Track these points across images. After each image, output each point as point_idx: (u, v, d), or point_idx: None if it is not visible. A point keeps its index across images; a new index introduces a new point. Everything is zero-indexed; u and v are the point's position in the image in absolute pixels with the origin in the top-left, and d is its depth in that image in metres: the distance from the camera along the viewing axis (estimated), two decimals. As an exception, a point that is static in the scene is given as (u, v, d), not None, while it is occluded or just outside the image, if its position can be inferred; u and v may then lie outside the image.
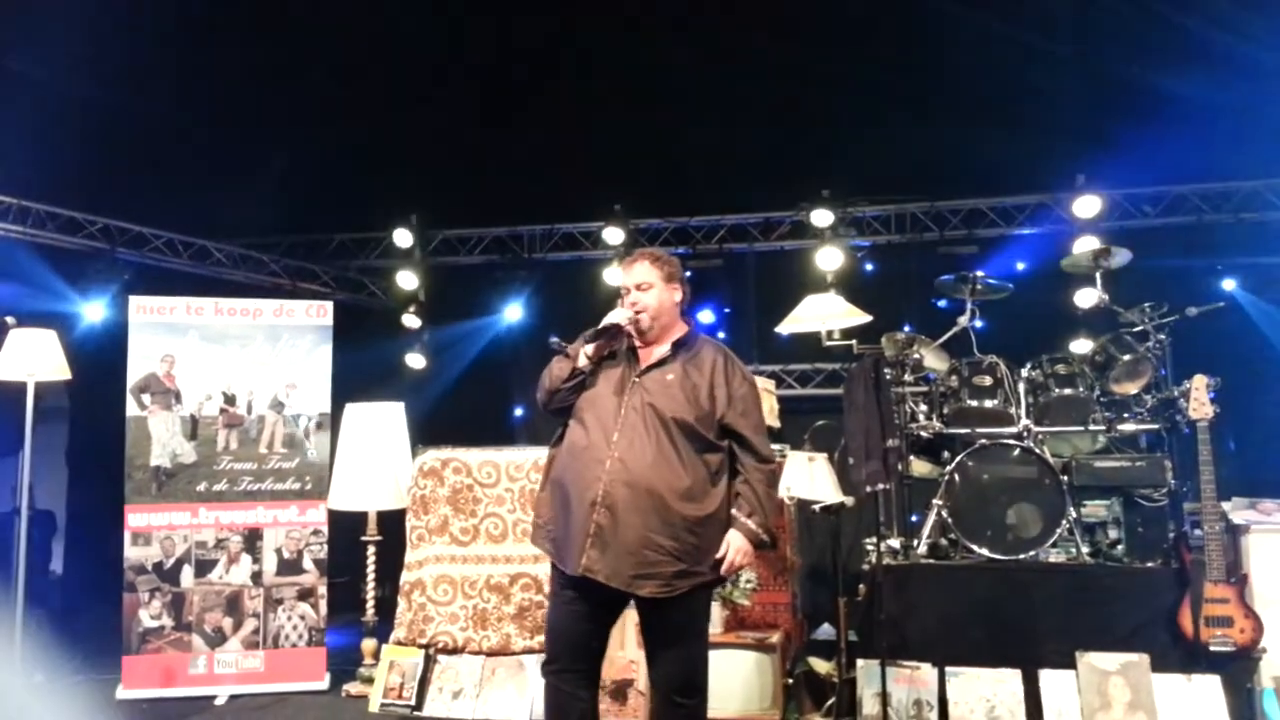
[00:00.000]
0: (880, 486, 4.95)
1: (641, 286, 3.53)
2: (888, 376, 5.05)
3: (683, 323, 3.64)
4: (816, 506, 4.98)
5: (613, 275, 8.74)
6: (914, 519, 5.35)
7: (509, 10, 7.68)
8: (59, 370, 5.78)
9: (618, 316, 3.51)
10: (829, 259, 8.29)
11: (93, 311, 7.94)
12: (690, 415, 3.41)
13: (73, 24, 7.12)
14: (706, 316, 9.40)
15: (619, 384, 3.47)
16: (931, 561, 5.11)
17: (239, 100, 7.85)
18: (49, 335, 5.77)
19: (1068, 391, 5.28)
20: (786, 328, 6.19)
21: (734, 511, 3.45)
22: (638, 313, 3.51)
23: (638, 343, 3.55)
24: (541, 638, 4.41)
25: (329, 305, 6.19)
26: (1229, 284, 8.03)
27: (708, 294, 9.49)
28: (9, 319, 5.78)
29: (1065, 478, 5.04)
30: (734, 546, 3.42)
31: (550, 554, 3.54)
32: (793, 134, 8.06)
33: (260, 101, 7.92)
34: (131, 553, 5.70)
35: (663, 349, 3.54)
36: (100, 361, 6.80)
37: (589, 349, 3.49)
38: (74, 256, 8.01)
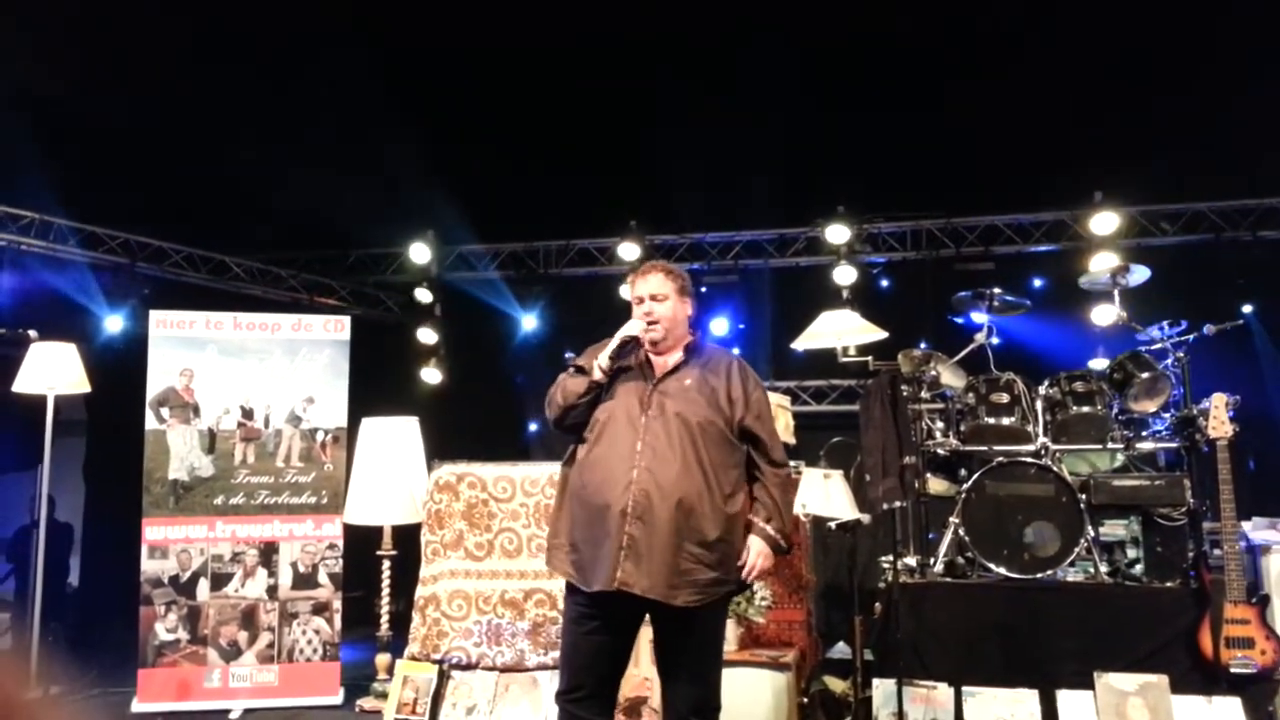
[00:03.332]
0: (897, 504, 4.93)
1: (656, 297, 3.54)
2: (904, 393, 5.03)
3: (690, 333, 3.65)
4: (832, 524, 4.95)
5: (626, 292, 8.75)
6: (930, 537, 5.32)
7: (523, 31, 7.73)
8: (79, 384, 5.82)
9: (633, 329, 3.51)
10: (845, 275, 8.29)
11: (112, 325, 7.99)
12: (715, 418, 3.42)
13: (93, 43, 7.21)
14: (720, 327, 9.38)
15: (637, 395, 3.46)
16: (948, 580, 5.07)
17: (258, 117, 7.92)
18: (69, 349, 5.81)
19: (1086, 409, 5.24)
20: (802, 344, 6.18)
21: (752, 517, 3.44)
22: (651, 323, 3.51)
23: (650, 353, 3.55)
24: (556, 654, 4.39)
25: (346, 320, 6.21)
26: (1248, 308, 7.96)
27: (722, 310, 9.48)
28: (31, 332, 5.83)
29: (1083, 496, 5.00)
30: (755, 550, 3.39)
31: (571, 576, 3.44)
32: (808, 150, 8.08)
33: (279, 118, 7.98)
34: (148, 566, 5.72)
35: (675, 356, 3.55)
36: (118, 375, 6.85)
37: (604, 362, 3.47)
38: (94, 271, 8.08)
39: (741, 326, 9.49)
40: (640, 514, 3.28)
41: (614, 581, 3.26)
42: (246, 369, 5.95)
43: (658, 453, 3.34)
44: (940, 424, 5.41)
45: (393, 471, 5.82)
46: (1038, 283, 8.53)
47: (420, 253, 9.24)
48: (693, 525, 3.30)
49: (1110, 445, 5.22)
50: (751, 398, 3.51)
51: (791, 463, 5.69)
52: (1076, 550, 4.91)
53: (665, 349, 3.55)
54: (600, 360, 3.48)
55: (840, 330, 6.05)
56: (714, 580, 3.33)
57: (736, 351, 9.65)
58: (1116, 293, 5.56)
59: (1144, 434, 5.27)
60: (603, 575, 3.29)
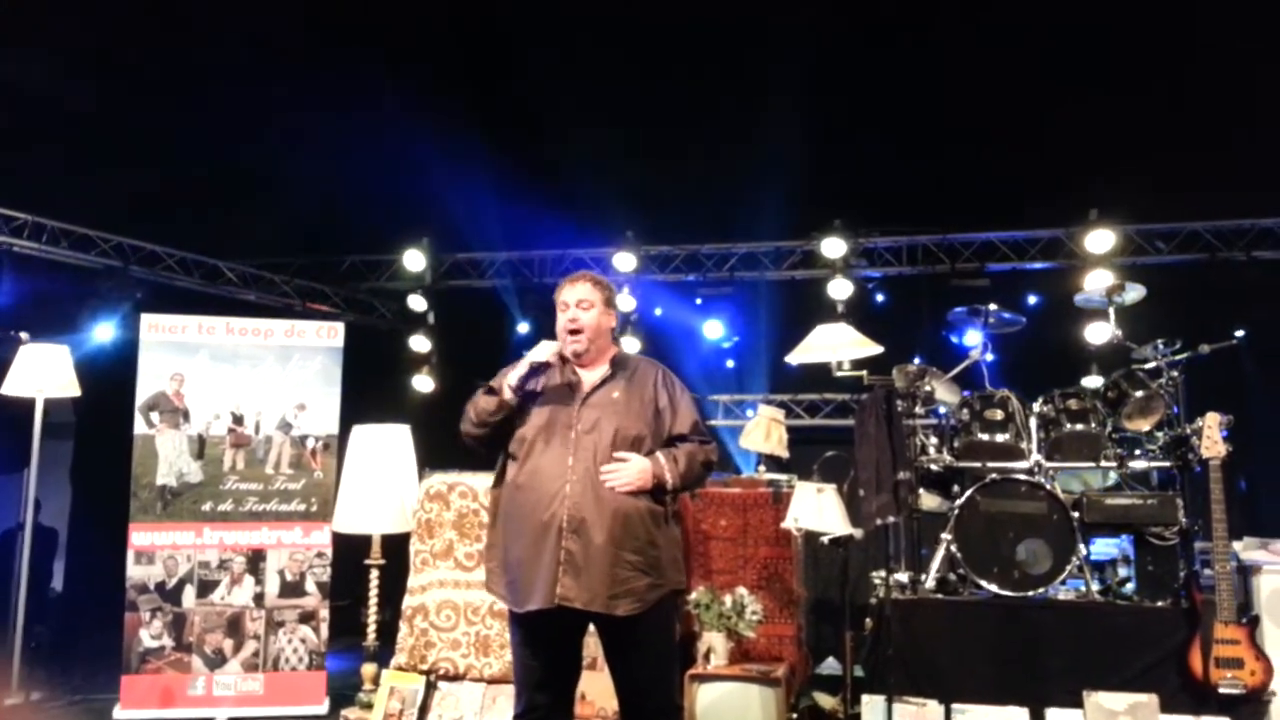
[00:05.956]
0: (890, 519, 4.91)
1: (582, 304, 3.57)
2: (899, 409, 5.01)
3: (613, 345, 3.68)
4: (824, 538, 4.93)
5: (622, 301, 8.74)
6: (923, 553, 5.29)
7: (519, 38, 7.73)
8: (69, 387, 5.79)
9: (541, 353, 3.51)
10: (840, 289, 8.28)
11: (103, 329, 7.95)
12: (644, 430, 3.45)
13: (89, 43, 7.19)
14: (714, 331, 9.34)
15: (565, 411, 3.46)
16: (940, 596, 5.05)
17: (253, 121, 7.90)
18: (60, 351, 5.78)
19: (1079, 427, 5.22)
20: (796, 358, 6.15)
21: (659, 452, 3.43)
22: (574, 331, 3.53)
23: (576, 367, 3.56)
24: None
25: (340, 326, 6.19)
26: (1239, 332, 7.95)
27: (717, 321, 9.48)
28: (22, 335, 5.80)
29: (1075, 514, 4.98)
30: (640, 463, 3.36)
31: (505, 598, 3.46)
32: (805, 163, 8.08)
33: (273, 123, 7.97)
34: (134, 571, 5.68)
35: (602, 369, 3.57)
36: (108, 379, 6.80)
37: (513, 381, 3.48)
38: (87, 273, 8.04)
39: (736, 339, 9.48)
40: (575, 528, 3.30)
41: (554, 598, 3.26)
42: (238, 375, 5.92)
43: (590, 466, 3.35)
44: (934, 440, 5.41)
45: (383, 480, 5.75)
46: (1032, 300, 8.54)
47: (414, 260, 9.22)
48: (628, 534, 3.32)
49: (1103, 464, 5.20)
50: (679, 406, 3.55)
51: (783, 476, 5.72)
52: (1068, 568, 4.90)
53: (589, 361, 3.57)
54: (509, 380, 3.49)
55: (835, 344, 6.01)
56: (649, 586, 3.34)
57: (731, 364, 9.69)
58: (1111, 311, 5.55)
59: (1137, 453, 5.26)
60: (542, 593, 3.29)
